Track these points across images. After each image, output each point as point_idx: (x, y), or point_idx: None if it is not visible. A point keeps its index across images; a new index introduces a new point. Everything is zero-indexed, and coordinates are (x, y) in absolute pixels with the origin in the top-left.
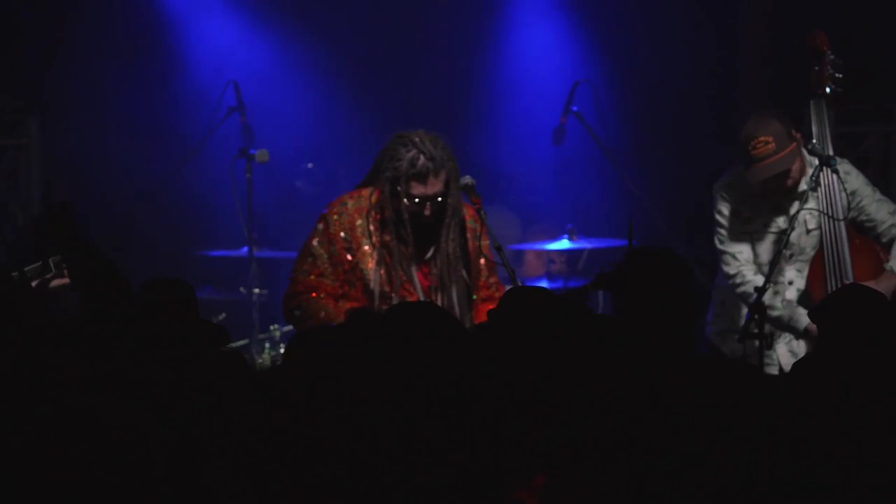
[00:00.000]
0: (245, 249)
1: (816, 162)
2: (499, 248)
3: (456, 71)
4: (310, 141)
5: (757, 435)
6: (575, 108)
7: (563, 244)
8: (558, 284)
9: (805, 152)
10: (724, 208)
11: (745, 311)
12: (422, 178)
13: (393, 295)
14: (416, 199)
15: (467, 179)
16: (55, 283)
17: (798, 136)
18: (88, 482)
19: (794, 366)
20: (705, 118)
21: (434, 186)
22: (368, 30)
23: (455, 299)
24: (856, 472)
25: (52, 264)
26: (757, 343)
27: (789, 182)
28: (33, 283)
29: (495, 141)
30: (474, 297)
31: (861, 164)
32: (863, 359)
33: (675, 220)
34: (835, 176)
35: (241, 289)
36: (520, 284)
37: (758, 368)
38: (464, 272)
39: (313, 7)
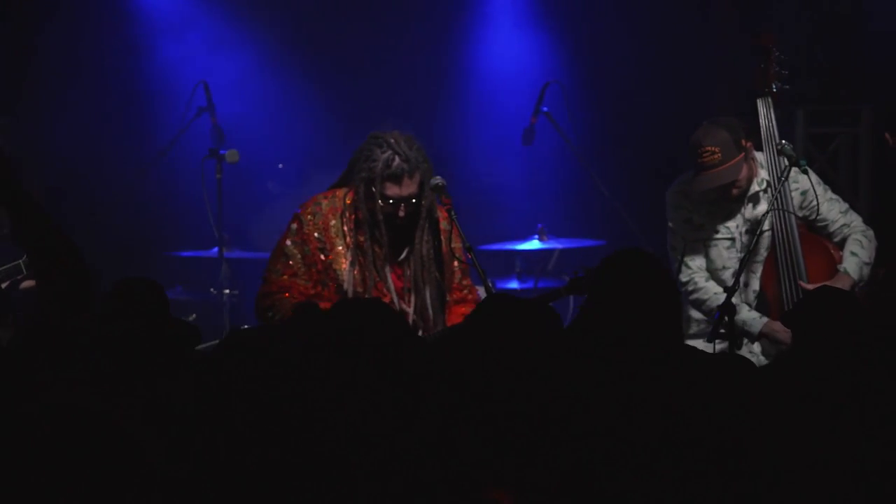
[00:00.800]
0: (215, 250)
1: (784, 163)
2: (469, 249)
3: (427, 71)
4: (280, 141)
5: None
6: (545, 109)
7: (534, 244)
8: (528, 285)
9: (754, 159)
10: (677, 215)
11: (697, 315)
12: (397, 179)
13: (366, 296)
14: (391, 200)
15: (438, 180)
16: (25, 284)
17: (748, 145)
18: (67, 481)
19: (770, 368)
20: (675, 118)
21: (408, 188)
22: (340, 30)
23: (428, 301)
24: (832, 468)
25: (22, 266)
26: (727, 343)
27: (735, 192)
28: (3, 285)
29: (466, 142)
30: (447, 298)
31: (831, 165)
32: (837, 359)
33: (645, 220)
34: (782, 175)
35: (212, 289)
36: (490, 285)
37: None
38: (437, 274)
39: (284, 7)
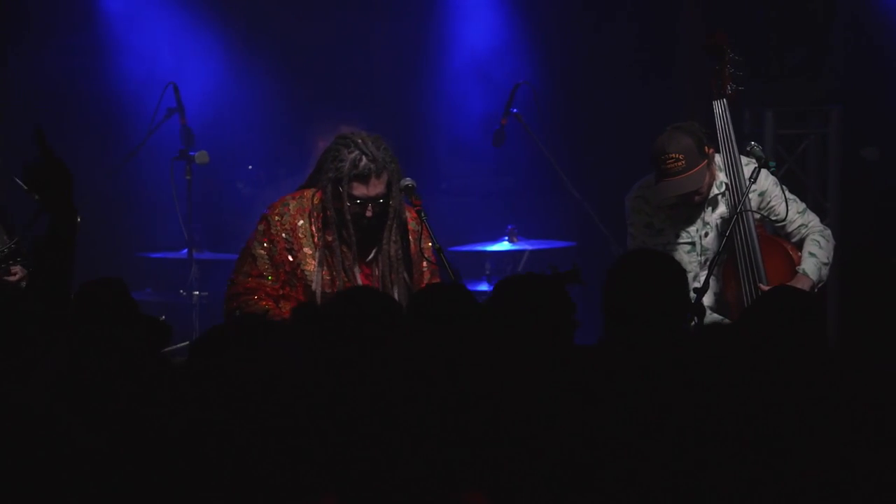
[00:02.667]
0: (185, 251)
1: (724, 168)
2: (440, 250)
3: (397, 72)
4: (250, 143)
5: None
6: (515, 111)
7: (504, 246)
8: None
9: (715, 163)
10: (637, 220)
11: None
12: (364, 179)
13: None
14: (358, 201)
15: (408, 181)
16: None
17: (710, 151)
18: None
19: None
20: (645, 119)
21: (376, 188)
22: (309, 32)
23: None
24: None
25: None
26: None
27: (697, 199)
28: None
29: (436, 143)
30: None
31: (800, 166)
32: (791, 358)
33: (615, 221)
34: (744, 177)
35: (182, 291)
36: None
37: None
38: (405, 275)
39: (253, 8)
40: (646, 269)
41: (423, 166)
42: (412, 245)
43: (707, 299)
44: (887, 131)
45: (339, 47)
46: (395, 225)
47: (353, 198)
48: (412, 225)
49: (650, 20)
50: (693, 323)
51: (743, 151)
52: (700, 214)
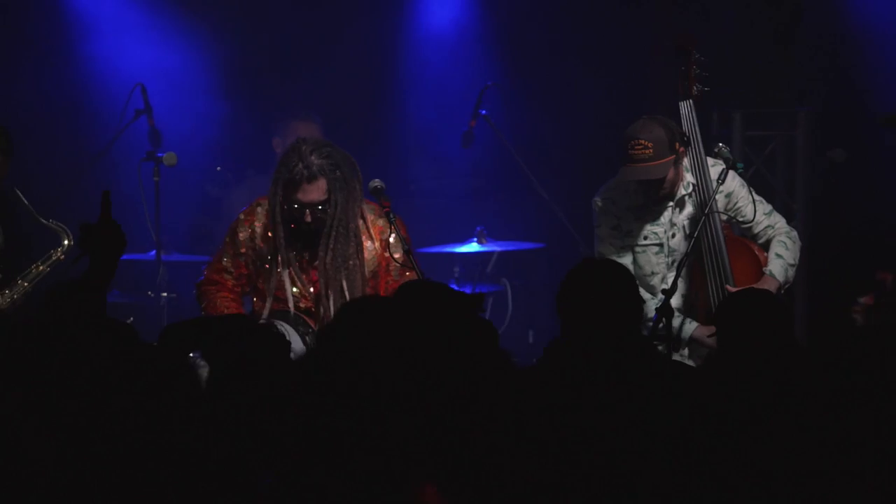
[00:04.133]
0: (153, 253)
1: (691, 168)
2: (409, 252)
3: (366, 73)
4: (219, 144)
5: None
6: (483, 112)
7: (473, 247)
8: (467, 289)
9: (683, 163)
10: (604, 223)
11: None
12: (296, 185)
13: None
14: (295, 205)
15: (377, 183)
16: None
17: (681, 150)
18: None
19: (705, 364)
20: (613, 120)
21: (310, 194)
22: (277, 32)
23: (331, 309)
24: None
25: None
26: (664, 345)
27: (661, 191)
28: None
29: (405, 144)
30: None
31: (768, 168)
32: (759, 359)
33: (584, 222)
34: (710, 178)
35: (149, 293)
36: None
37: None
38: (344, 282)
39: (222, 9)
40: (596, 280)
41: (391, 168)
42: (378, 251)
43: (675, 301)
44: (854, 133)
45: (308, 48)
46: (334, 233)
47: (290, 202)
48: (380, 224)
49: (619, 21)
50: (661, 324)
51: (710, 153)
52: (668, 215)
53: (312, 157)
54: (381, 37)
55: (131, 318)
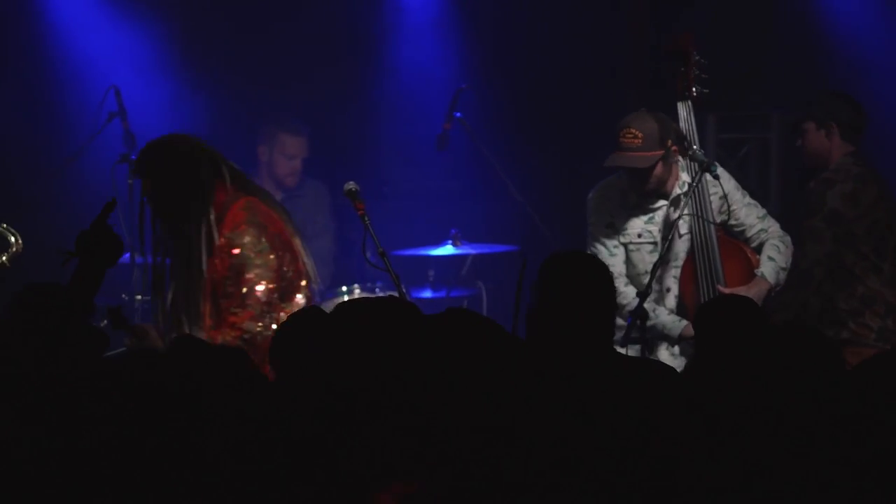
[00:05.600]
0: (127, 255)
1: (696, 168)
2: (383, 254)
3: (341, 75)
4: None
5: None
6: (458, 115)
7: (447, 250)
8: (441, 293)
9: (676, 162)
10: (598, 221)
11: (618, 321)
12: None
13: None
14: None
15: (351, 185)
16: None
17: (673, 148)
18: None
19: (685, 371)
20: (588, 124)
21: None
22: (250, 34)
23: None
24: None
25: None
26: (639, 348)
27: (648, 186)
28: None
29: (379, 146)
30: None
31: (741, 169)
32: (736, 364)
33: (558, 224)
34: (705, 180)
35: (124, 295)
36: (405, 291)
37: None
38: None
39: (195, 11)
40: (571, 271)
41: (366, 170)
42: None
43: (669, 301)
44: None
45: (282, 50)
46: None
47: None
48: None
49: (594, 24)
50: (637, 326)
51: (685, 155)
52: (662, 214)
53: (142, 153)
54: (356, 39)
55: (104, 322)
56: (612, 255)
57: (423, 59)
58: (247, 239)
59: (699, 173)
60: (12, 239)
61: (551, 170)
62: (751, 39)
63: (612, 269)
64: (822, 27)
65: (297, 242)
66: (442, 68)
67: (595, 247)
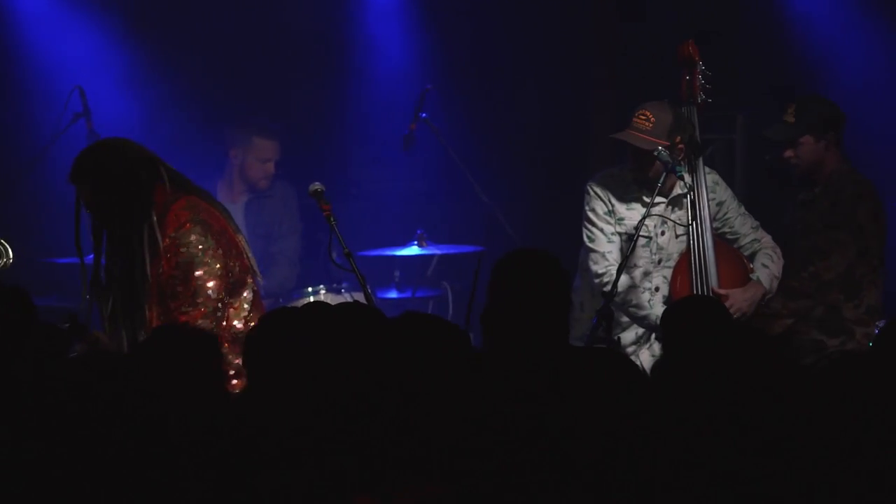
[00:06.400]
0: (91, 257)
1: (691, 172)
2: (348, 255)
3: (305, 76)
4: (158, 147)
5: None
6: (424, 115)
7: (413, 250)
8: (407, 294)
9: (681, 161)
10: (598, 206)
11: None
12: None
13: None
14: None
15: (317, 185)
16: None
17: (680, 145)
18: None
19: (652, 369)
20: (554, 124)
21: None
22: (217, 35)
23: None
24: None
25: None
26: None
27: (649, 173)
28: None
29: (345, 147)
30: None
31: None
32: (701, 365)
33: (524, 225)
34: (704, 184)
35: (87, 297)
36: (370, 292)
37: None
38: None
39: (160, 11)
40: (524, 270)
41: (331, 171)
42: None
43: (659, 302)
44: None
45: (248, 51)
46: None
47: None
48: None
49: (559, 25)
50: (602, 328)
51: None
52: (660, 211)
53: (79, 157)
54: (323, 40)
55: (67, 325)
56: (609, 241)
57: (389, 60)
58: (193, 237)
59: (664, 174)
60: (2, 251)
61: (517, 170)
62: (716, 41)
63: (609, 255)
64: (785, 29)
65: (241, 238)
66: (408, 69)
67: (593, 231)
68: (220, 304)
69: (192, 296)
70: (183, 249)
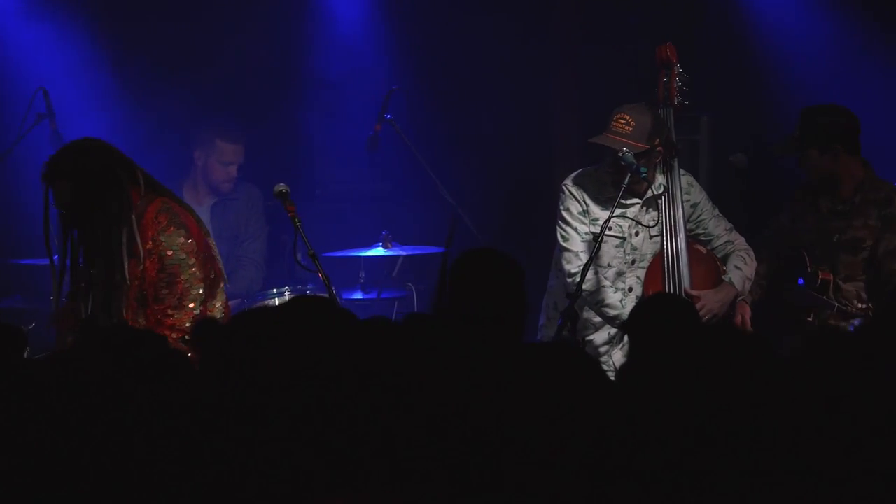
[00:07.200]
0: (55, 258)
1: (664, 172)
2: (313, 256)
3: (270, 76)
4: (123, 147)
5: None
6: (389, 116)
7: (378, 251)
8: (372, 294)
9: (657, 164)
10: (572, 206)
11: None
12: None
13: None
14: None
15: (282, 187)
16: None
17: (658, 148)
18: None
19: (619, 370)
20: (518, 124)
21: (57, 198)
22: (182, 38)
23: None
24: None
25: None
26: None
27: (616, 178)
28: None
29: (310, 149)
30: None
31: None
32: (667, 365)
33: (488, 226)
34: (679, 185)
35: (52, 298)
36: (335, 293)
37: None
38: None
39: (123, 11)
40: (481, 269)
41: (296, 172)
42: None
43: (630, 302)
44: (756, 138)
45: (213, 51)
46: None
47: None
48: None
49: (524, 26)
50: (567, 328)
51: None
52: (635, 212)
53: (58, 155)
54: (286, 39)
55: (33, 324)
56: (583, 240)
57: (354, 61)
58: (180, 240)
59: (627, 175)
60: None
61: (481, 171)
62: (679, 43)
63: (582, 255)
64: (749, 29)
65: (211, 242)
66: (373, 69)
67: (567, 231)
68: (203, 307)
69: (178, 298)
70: (170, 252)
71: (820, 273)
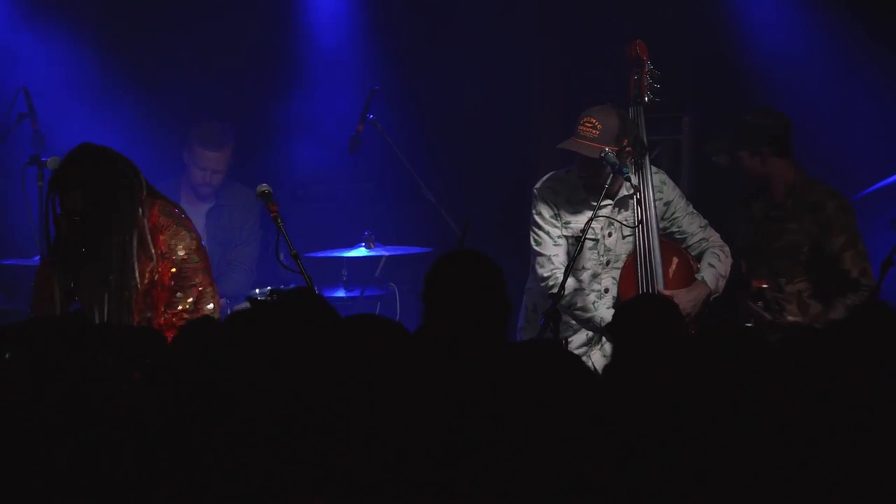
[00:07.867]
0: (37, 258)
1: (635, 171)
2: (296, 256)
3: (252, 77)
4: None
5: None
6: (371, 116)
7: (361, 252)
8: (355, 293)
9: (628, 164)
10: (544, 210)
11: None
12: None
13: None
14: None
15: (264, 187)
16: None
17: (627, 149)
18: None
19: (604, 371)
20: (500, 124)
21: (69, 203)
22: (164, 33)
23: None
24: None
25: None
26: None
27: (599, 179)
28: None
29: (292, 148)
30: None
31: None
32: (651, 365)
33: (471, 227)
34: (651, 184)
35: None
36: (317, 292)
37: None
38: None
39: (110, 14)
40: (462, 270)
41: (279, 172)
42: (153, 268)
43: (607, 305)
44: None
45: (194, 50)
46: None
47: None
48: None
49: (506, 24)
50: (549, 328)
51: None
52: (607, 213)
53: (68, 161)
54: (268, 40)
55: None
56: (556, 244)
57: (336, 60)
58: (193, 243)
59: (609, 175)
60: None
61: (464, 171)
62: (661, 43)
63: (555, 258)
64: (730, 30)
65: (203, 245)
66: (355, 70)
67: (539, 235)
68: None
69: (194, 301)
70: (183, 254)
71: (753, 281)
